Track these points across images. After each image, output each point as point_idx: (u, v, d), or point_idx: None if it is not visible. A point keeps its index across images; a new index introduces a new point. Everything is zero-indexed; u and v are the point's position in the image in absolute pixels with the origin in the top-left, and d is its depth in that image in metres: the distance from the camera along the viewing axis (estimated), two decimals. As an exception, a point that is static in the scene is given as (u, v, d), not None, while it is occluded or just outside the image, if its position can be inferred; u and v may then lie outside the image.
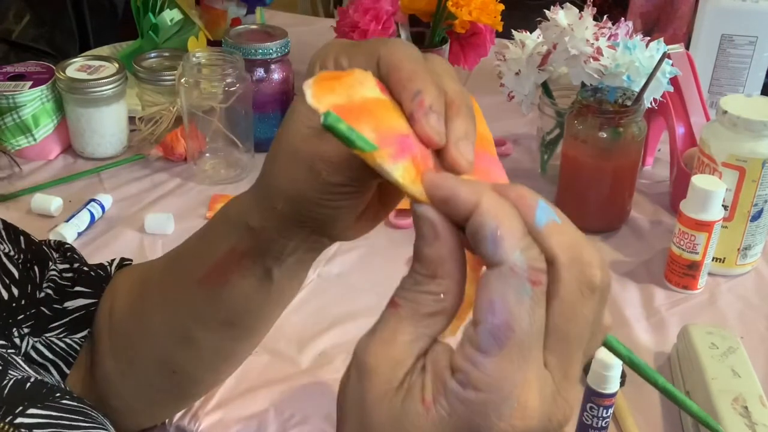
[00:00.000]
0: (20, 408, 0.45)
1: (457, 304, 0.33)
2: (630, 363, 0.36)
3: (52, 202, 0.98)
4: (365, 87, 0.36)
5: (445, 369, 0.32)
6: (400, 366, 0.32)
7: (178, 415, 0.70)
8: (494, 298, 0.31)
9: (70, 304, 0.60)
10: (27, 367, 0.52)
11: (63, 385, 0.60)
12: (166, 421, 0.70)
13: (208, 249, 0.52)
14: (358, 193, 0.42)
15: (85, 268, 0.63)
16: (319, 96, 0.34)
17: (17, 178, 1.05)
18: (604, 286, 0.32)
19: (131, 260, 0.67)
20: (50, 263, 0.61)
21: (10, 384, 0.47)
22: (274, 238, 0.48)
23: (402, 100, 0.36)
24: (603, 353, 0.64)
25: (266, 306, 0.56)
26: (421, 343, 0.33)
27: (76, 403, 0.48)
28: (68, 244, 0.66)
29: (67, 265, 0.63)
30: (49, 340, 0.59)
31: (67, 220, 0.94)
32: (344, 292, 0.85)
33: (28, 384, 0.47)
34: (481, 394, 0.31)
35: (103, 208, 0.98)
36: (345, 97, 0.34)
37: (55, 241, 0.65)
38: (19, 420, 0.44)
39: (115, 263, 0.66)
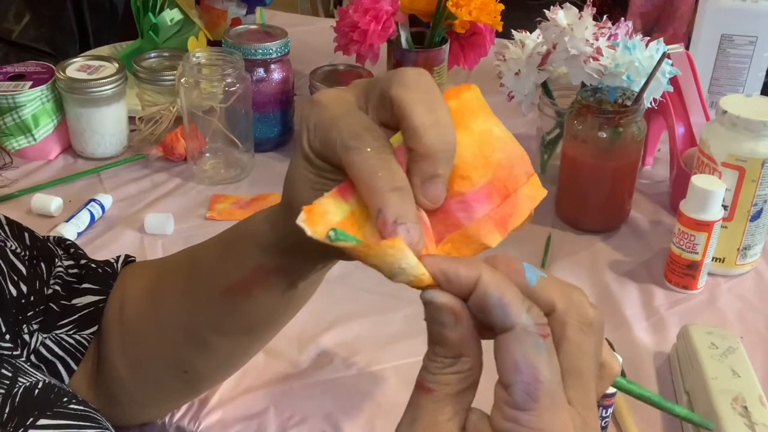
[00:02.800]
0: (30, 419, 0.45)
1: (480, 373, 0.36)
2: (642, 398, 0.39)
3: (52, 202, 0.98)
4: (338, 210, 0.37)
5: None
6: None
7: (178, 414, 0.70)
8: (517, 359, 0.33)
9: (78, 301, 0.61)
10: (35, 371, 0.52)
11: (69, 381, 0.60)
12: (166, 420, 0.70)
13: (232, 264, 0.52)
14: None
15: (93, 265, 0.63)
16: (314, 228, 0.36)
17: (18, 177, 1.05)
18: (599, 322, 0.36)
19: (134, 257, 0.68)
20: (56, 260, 0.61)
21: (20, 392, 0.47)
22: (304, 262, 0.48)
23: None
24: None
25: (287, 312, 0.57)
26: (458, 418, 0.35)
27: (82, 408, 0.49)
28: (69, 240, 0.66)
29: (72, 262, 0.63)
30: (59, 336, 0.59)
31: (67, 220, 0.94)
32: (344, 292, 0.85)
33: (37, 391, 0.48)
34: None
35: (103, 208, 0.98)
36: (338, 217, 0.37)
37: (55, 237, 0.66)
38: None
39: (120, 260, 0.66)
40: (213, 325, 0.55)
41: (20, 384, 0.47)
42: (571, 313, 0.35)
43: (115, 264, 0.65)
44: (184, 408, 0.70)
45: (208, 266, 0.55)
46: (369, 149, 0.37)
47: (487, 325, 0.34)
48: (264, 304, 0.53)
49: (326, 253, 0.46)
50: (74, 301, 0.61)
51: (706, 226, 0.82)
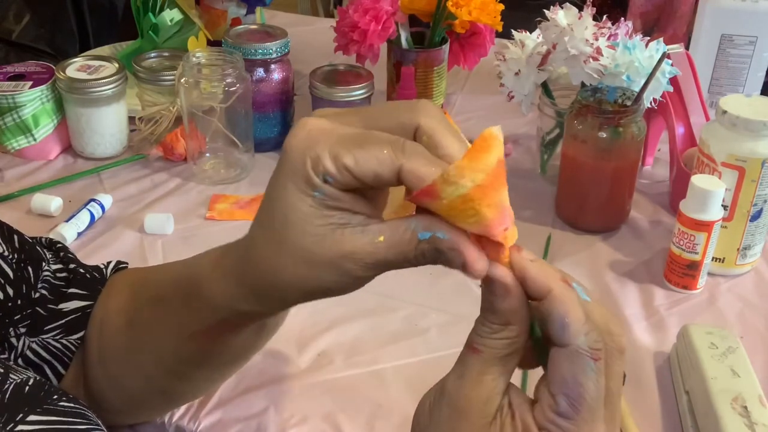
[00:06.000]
0: (20, 415, 0.45)
1: (524, 342, 0.39)
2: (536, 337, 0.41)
3: (52, 202, 0.98)
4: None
5: (533, 425, 0.38)
6: (491, 403, 0.38)
7: (178, 414, 0.70)
8: (566, 374, 0.37)
9: (65, 306, 0.60)
10: (25, 370, 0.52)
11: (59, 385, 0.60)
12: (166, 420, 0.70)
13: (195, 316, 0.51)
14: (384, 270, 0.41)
15: (81, 270, 0.63)
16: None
17: (18, 177, 1.05)
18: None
19: (127, 263, 0.67)
20: (43, 263, 0.61)
21: (11, 388, 0.47)
22: (272, 305, 0.48)
23: None
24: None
25: (261, 341, 0.58)
26: (502, 380, 0.39)
27: (73, 404, 0.48)
28: (60, 243, 0.65)
29: (60, 265, 0.62)
30: (46, 341, 0.59)
31: (67, 220, 0.94)
32: (344, 292, 0.85)
33: (27, 387, 0.48)
34: None
35: (103, 208, 0.98)
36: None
37: (46, 239, 0.65)
38: (19, 428, 0.45)
39: (111, 266, 0.65)
40: (184, 360, 0.55)
41: (11, 380, 0.47)
42: (607, 340, 0.38)
43: (104, 269, 0.64)
44: (183, 408, 0.71)
45: (171, 312, 0.53)
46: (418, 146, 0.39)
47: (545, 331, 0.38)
48: (236, 342, 0.53)
49: (297, 296, 0.44)
50: (61, 306, 0.60)
51: (706, 226, 0.82)
